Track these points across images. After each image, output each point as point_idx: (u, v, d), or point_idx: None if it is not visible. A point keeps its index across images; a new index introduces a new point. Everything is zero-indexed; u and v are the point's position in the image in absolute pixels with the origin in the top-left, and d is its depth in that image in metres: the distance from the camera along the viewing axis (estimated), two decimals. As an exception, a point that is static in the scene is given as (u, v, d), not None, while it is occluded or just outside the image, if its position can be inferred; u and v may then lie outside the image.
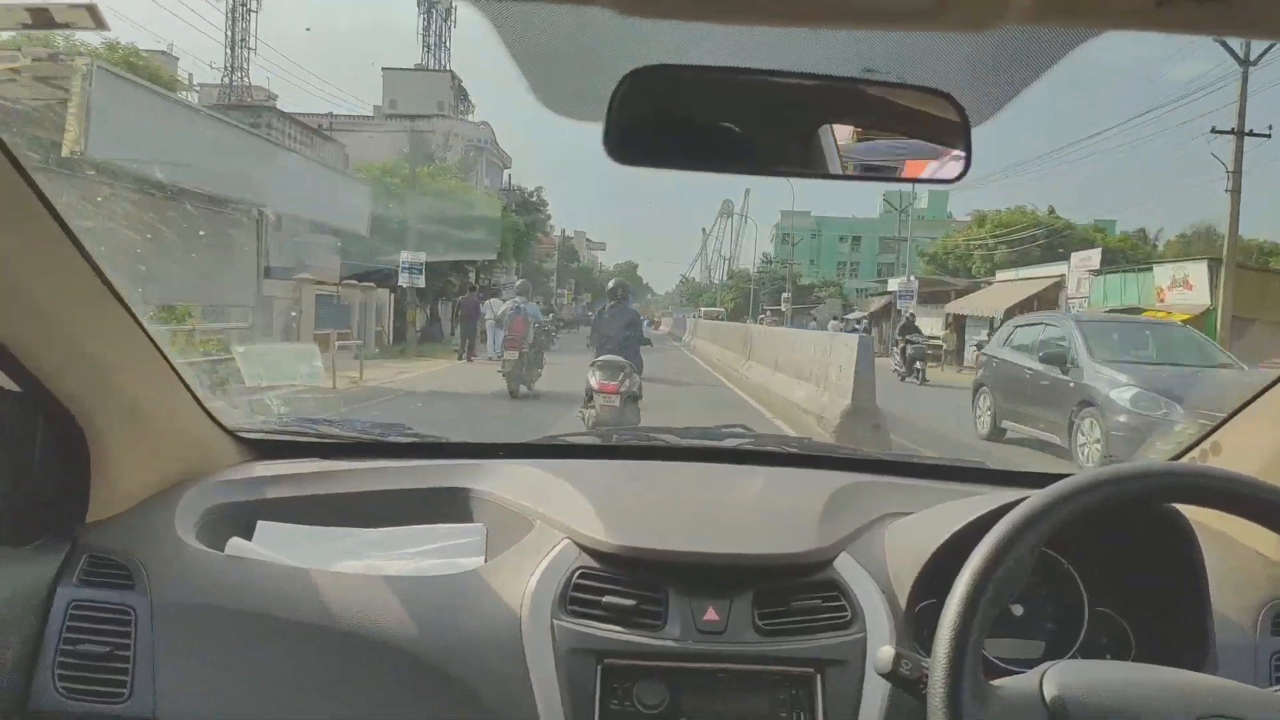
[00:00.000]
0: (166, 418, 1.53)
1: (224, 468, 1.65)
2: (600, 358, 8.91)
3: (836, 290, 61.50)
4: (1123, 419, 8.57)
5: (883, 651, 1.03)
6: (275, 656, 1.30)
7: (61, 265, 1.20)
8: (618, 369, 8.58)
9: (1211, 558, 1.30)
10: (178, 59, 26.65)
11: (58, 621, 1.31)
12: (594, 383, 8.56)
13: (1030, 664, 1.30)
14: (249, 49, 42.10)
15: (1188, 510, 1.31)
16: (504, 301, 15.29)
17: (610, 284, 10.53)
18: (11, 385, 1.29)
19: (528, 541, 1.44)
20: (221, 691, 1.29)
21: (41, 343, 1.23)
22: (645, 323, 10.59)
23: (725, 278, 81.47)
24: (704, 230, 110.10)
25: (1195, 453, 1.73)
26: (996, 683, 1.01)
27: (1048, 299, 26.33)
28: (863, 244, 76.93)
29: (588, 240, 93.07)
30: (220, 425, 1.68)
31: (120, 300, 1.31)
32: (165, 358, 1.47)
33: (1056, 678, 0.97)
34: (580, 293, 69.34)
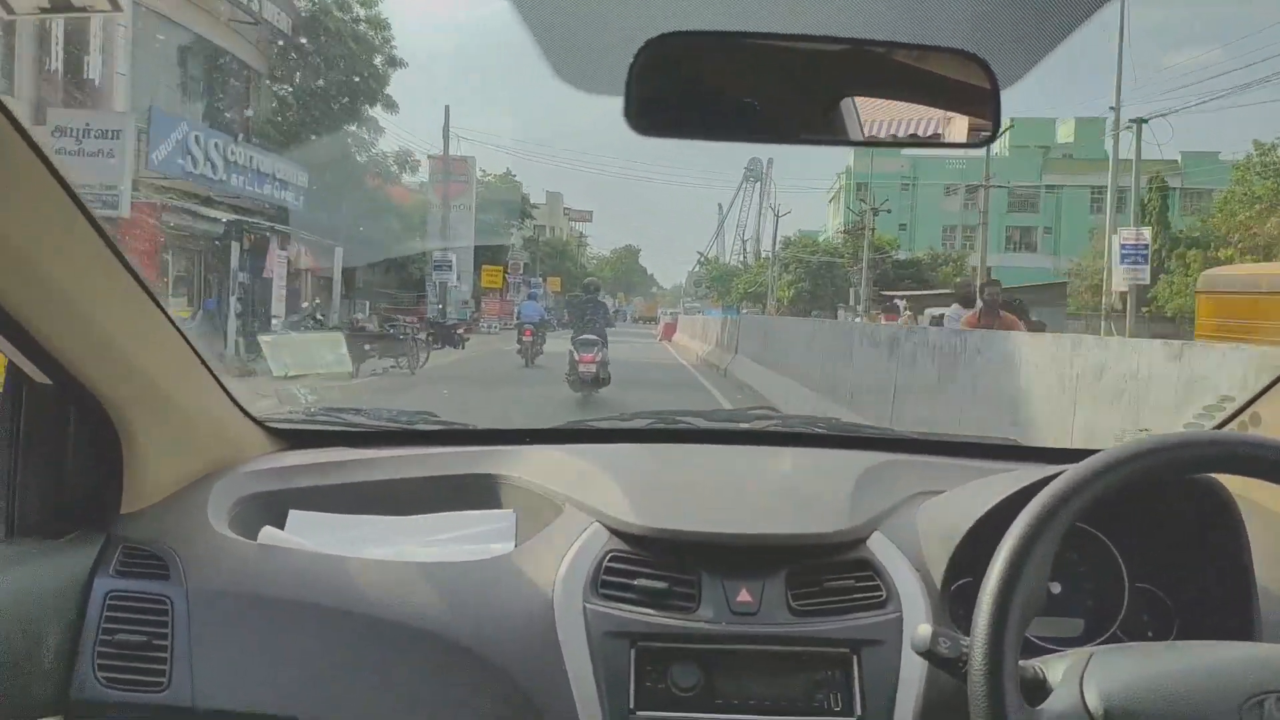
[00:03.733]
0: (196, 409, 1.54)
1: (253, 458, 1.67)
2: (580, 337, 11.94)
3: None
4: None
5: (920, 630, 1.02)
6: (310, 643, 1.31)
7: (88, 258, 1.21)
8: (593, 344, 11.76)
9: (1254, 530, 1.27)
10: None
11: (96, 612, 1.32)
12: (576, 355, 11.77)
13: (1069, 643, 1.28)
14: None
15: (1229, 484, 1.28)
16: None
17: (585, 281, 14.33)
18: (42, 379, 1.31)
19: (557, 526, 1.44)
20: (258, 678, 1.30)
21: (71, 336, 1.25)
22: (614, 308, 15.43)
23: (775, 248, 48.28)
24: (720, 206, 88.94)
25: (1234, 424, 1.69)
26: (1033, 664, 0.99)
27: None
28: (981, 197, 51.27)
29: (567, 210, 66.53)
30: (249, 415, 1.69)
31: (148, 292, 1.32)
32: (193, 349, 1.48)
33: (1098, 679, 0.94)
34: (531, 274, 43.07)
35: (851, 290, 38.11)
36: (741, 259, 68.87)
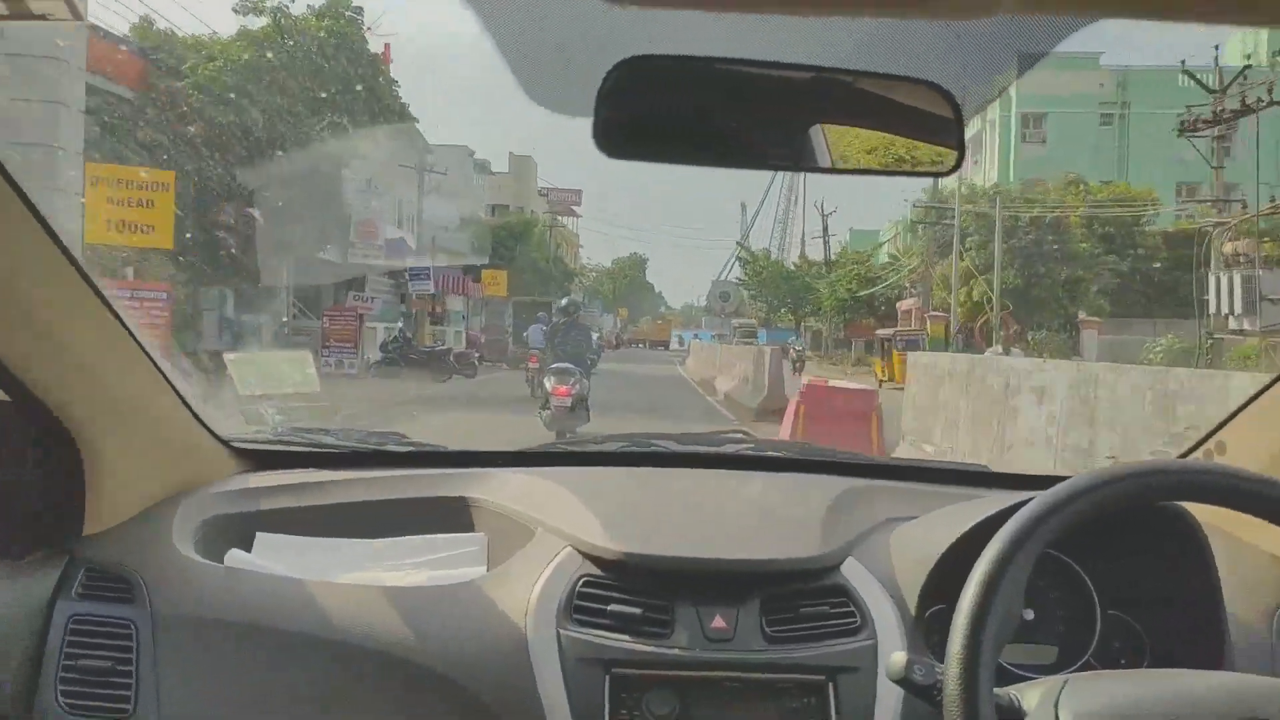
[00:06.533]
0: (161, 428, 1.52)
1: (220, 479, 1.64)
2: (554, 365, 10.57)
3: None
4: None
5: (895, 657, 1.02)
6: (277, 669, 1.29)
7: (50, 273, 1.19)
8: (569, 375, 10.23)
9: (1223, 559, 1.28)
10: None
11: (58, 637, 1.30)
12: (549, 386, 10.30)
13: (1044, 670, 1.29)
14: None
15: (1199, 514, 1.29)
16: None
17: (563, 302, 12.34)
18: (2, 396, 1.29)
19: (529, 550, 1.43)
20: (224, 704, 1.28)
21: (32, 352, 1.23)
22: (614, 327, 13.43)
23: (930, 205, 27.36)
24: (743, 205, 76.12)
25: (1199, 452, 1.71)
26: (1007, 691, 0.99)
27: None
28: (1132, 122, 30.62)
29: (544, 189, 47.24)
30: (215, 436, 1.67)
31: (111, 309, 1.30)
32: (158, 367, 1.46)
33: (1072, 706, 0.95)
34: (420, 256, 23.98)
35: (1221, 281, 17.83)
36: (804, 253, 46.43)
